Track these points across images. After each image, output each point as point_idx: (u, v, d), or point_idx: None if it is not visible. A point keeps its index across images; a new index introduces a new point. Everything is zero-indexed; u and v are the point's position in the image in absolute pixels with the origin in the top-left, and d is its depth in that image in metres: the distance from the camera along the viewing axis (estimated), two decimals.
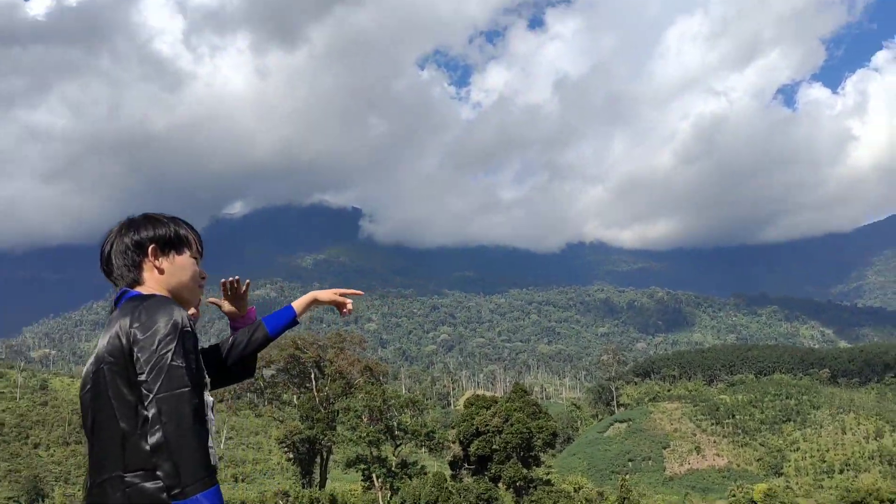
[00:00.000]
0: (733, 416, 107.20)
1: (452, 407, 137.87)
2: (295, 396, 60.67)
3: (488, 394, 79.13)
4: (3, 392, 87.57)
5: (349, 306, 3.30)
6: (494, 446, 51.26)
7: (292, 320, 3.16)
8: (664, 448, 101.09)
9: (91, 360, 2.46)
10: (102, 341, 2.45)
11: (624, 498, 45.84)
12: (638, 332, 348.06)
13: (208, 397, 2.69)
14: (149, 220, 2.67)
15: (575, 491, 52.76)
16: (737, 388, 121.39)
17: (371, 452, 50.01)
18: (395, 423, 53.09)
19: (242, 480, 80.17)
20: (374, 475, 49.74)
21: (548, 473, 59.56)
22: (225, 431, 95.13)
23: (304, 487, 51.01)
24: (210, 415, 2.72)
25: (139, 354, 2.30)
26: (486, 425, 51.92)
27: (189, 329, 2.39)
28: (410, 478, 50.47)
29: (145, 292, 2.57)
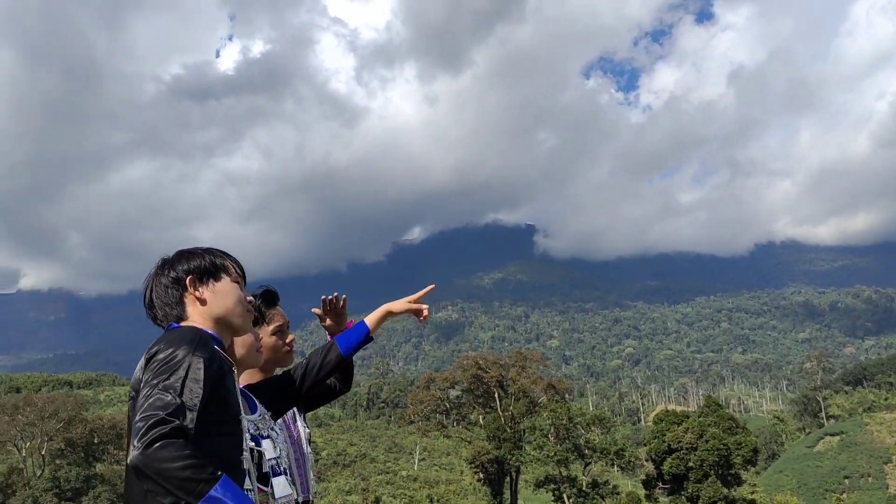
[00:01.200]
0: None
1: (643, 423, 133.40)
2: (481, 416, 61.33)
3: (679, 408, 75.74)
4: None
5: (426, 312, 3.21)
6: (689, 464, 48.85)
7: (366, 337, 3.09)
8: (885, 463, 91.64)
9: None
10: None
11: None
12: (844, 336, 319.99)
13: (251, 426, 2.66)
14: (182, 254, 2.63)
15: None
16: None
17: (560, 472, 49.39)
18: (582, 442, 52.13)
19: (437, 501, 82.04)
20: (564, 495, 49.03)
21: (752, 493, 55.91)
22: (417, 453, 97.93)
23: None
24: (264, 446, 2.68)
25: (143, 387, 2.23)
26: (679, 442, 49.66)
27: (203, 358, 2.26)
28: (603, 498, 49.26)
29: (185, 325, 2.53)
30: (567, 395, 63.72)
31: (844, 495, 67.53)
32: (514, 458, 52.70)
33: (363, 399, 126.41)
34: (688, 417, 53.54)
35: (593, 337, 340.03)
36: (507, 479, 56.00)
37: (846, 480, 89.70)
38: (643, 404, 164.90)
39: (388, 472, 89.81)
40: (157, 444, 2.07)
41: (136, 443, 2.10)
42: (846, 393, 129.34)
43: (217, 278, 2.59)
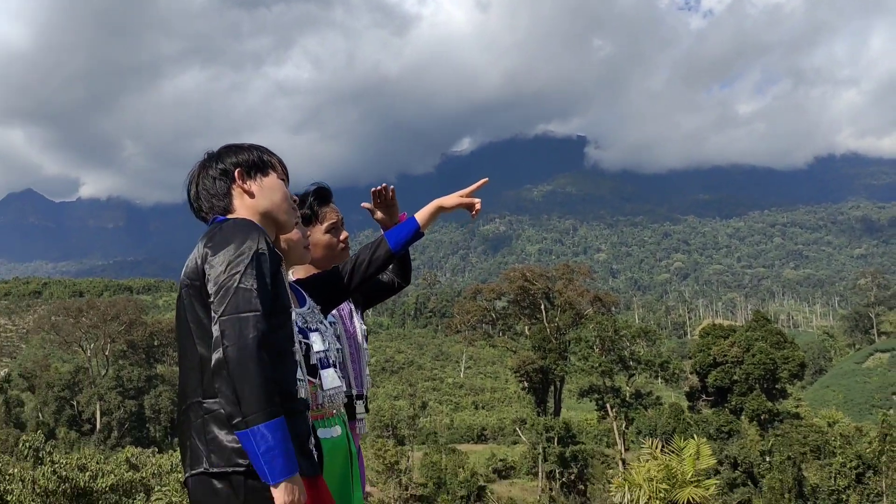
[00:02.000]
0: None
1: (689, 337, 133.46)
2: (526, 327, 61.99)
3: (727, 323, 75.46)
4: None
5: (477, 206, 3.04)
6: (734, 377, 48.96)
7: (416, 232, 2.97)
8: None
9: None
10: (187, 262, 2.36)
11: (885, 435, 41.76)
12: None
13: (299, 320, 2.62)
14: (230, 148, 2.56)
15: (829, 426, 49.03)
16: None
17: (604, 382, 50.01)
18: (627, 354, 52.49)
19: (482, 408, 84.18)
20: (607, 405, 49.80)
21: (797, 406, 56.01)
22: (463, 361, 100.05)
23: (539, 415, 52.38)
24: (311, 339, 2.64)
25: (209, 274, 2.18)
26: (725, 355, 49.65)
27: (265, 252, 2.22)
28: (646, 408, 49.90)
29: (235, 217, 2.46)
30: (613, 308, 63.84)
31: (892, 411, 67.01)
32: (558, 368, 53.46)
33: (411, 308, 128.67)
34: (735, 331, 53.36)
35: (642, 251, 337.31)
36: (552, 388, 57.03)
37: (894, 397, 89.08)
38: (690, 318, 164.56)
39: (434, 379, 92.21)
40: (255, 348, 2.04)
41: (230, 338, 2.05)
42: None
43: (265, 173, 2.52)
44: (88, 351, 66.11)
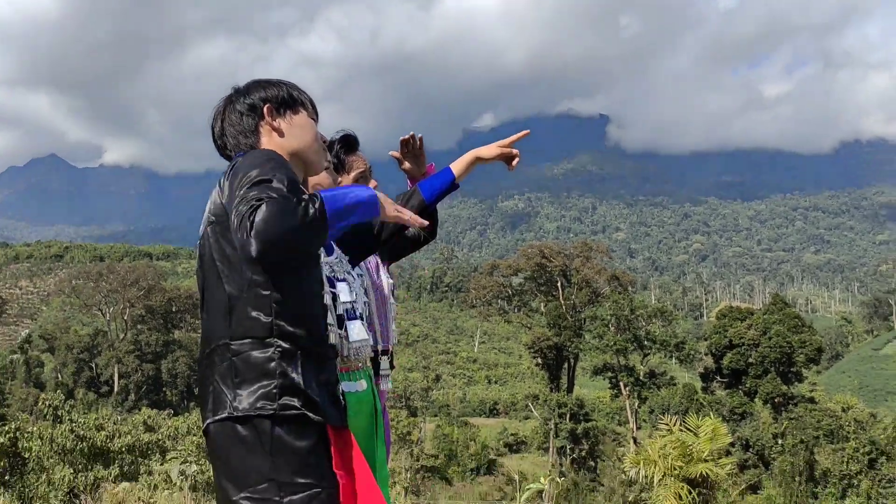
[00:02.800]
0: None
1: (705, 318, 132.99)
2: (542, 304, 61.94)
3: (744, 305, 74.99)
4: None
5: (517, 158, 2.90)
6: (750, 360, 48.74)
7: (451, 184, 2.85)
8: None
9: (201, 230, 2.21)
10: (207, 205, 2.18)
11: None
12: None
13: (326, 269, 2.42)
14: (258, 82, 2.39)
15: (843, 411, 48.81)
16: None
17: (618, 361, 50.00)
18: (643, 333, 52.37)
19: (495, 382, 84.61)
20: (621, 383, 49.82)
21: (812, 391, 55.73)
22: (478, 336, 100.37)
23: (552, 392, 52.54)
24: (339, 289, 2.44)
25: (228, 193, 2.01)
26: (741, 338, 49.39)
27: (295, 178, 2.03)
28: (659, 388, 49.86)
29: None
30: (630, 288, 63.59)
31: None
32: (573, 346, 53.48)
33: (427, 282, 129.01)
34: (752, 314, 53.01)
35: (661, 231, 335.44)
36: (565, 365, 57.10)
37: None
38: (707, 300, 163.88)
39: (448, 353, 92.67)
40: (261, 211, 1.84)
41: (247, 231, 1.83)
42: None
43: (295, 111, 2.35)
44: (108, 315, 66.97)
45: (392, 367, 3.13)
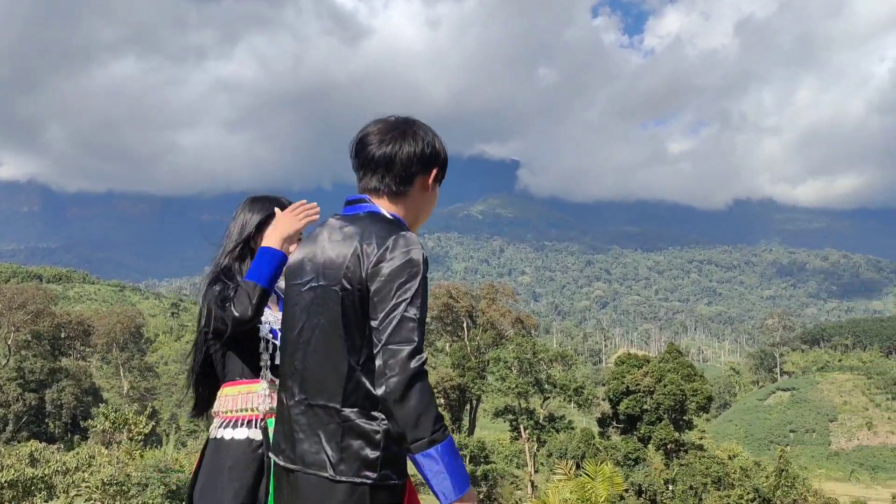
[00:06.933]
0: None
1: (604, 364, 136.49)
2: (447, 344, 62.28)
3: (641, 353, 77.48)
4: (188, 325, 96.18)
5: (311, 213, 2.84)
6: (645, 406, 50.29)
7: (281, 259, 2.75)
8: (831, 421, 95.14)
9: (308, 269, 2.24)
10: (332, 252, 2.18)
11: (782, 470, 43.70)
12: (808, 297, 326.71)
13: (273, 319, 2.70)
14: (438, 139, 2.38)
15: (729, 458, 50.86)
16: None
17: (519, 404, 50.61)
18: (544, 377, 53.29)
19: None
20: (521, 426, 50.40)
21: (701, 438, 57.80)
22: None
23: (453, 433, 52.61)
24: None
25: (374, 297, 2.07)
26: (638, 385, 50.96)
27: (426, 276, 2.12)
28: (558, 431, 50.68)
29: (387, 213, 2.26)
30: (533, 331, 64.80)
31: (788, 448, 70.12)
32: (476, 387, 53.85)
33: None
34: (648, 362, 54.80)
35: (564, 276, 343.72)
36: (468, 406, 57.37)
37: (791, 434, 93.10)
38: (606, 346, 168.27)
39: None
40: (420, 377, 2.01)
41: (392, 369, 2.00)
42: (802, 351, 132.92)
43: (439, 184, 2.42)
44: None
45: None
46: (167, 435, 45.58)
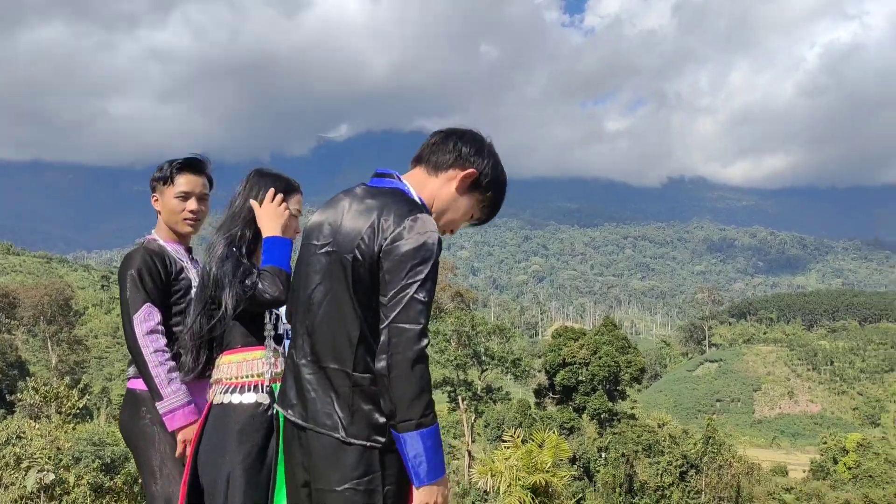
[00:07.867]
0: (832, 362, 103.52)
1: (540, 337, 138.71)
2: None
3: (577, 326, 79.04)
4: (119, 298, 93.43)
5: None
6: (580, 378, 51.46)
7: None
8: (755, 391, 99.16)
9: (326, 232, 2.28)
10: (350, 222, 2.22)
11: (709, 437, 45.38)
12: (736, 273, 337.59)
13: None
14: (500, 164, 2.50)
15: (659, 427, 52.54)
16: (838, 335, 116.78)
17: (457, 376, 51.11)
18: (482, 349, 53.89)
19: None
20: (459, 397, 50.96)
21: (633, 408, 59.48)
22: None
23: None
24: (282, 308, 2.84)
25: (387, 275, 2.11)
26: (573, 357, 52.05)
27: (438, 262, 2.18)
28: (495, 402, 51.45)
29: (415, 196, 2.33)
30: (472, 305, 65.37)
31: (715, 416, 72.83)
32: None
33: None
34: (584, 335, 55.98)
35: (503, 251, 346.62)
36: None
37: (718, 403, 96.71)
38: (542, 319, 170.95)
39: None
40: (417, 361, 2.05)
41: (395, 347, 2.05)
42: (730, 325, 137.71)
43: (482, 195, 2.50)
44: None
45: None
46: (98, 409, 44.52)
